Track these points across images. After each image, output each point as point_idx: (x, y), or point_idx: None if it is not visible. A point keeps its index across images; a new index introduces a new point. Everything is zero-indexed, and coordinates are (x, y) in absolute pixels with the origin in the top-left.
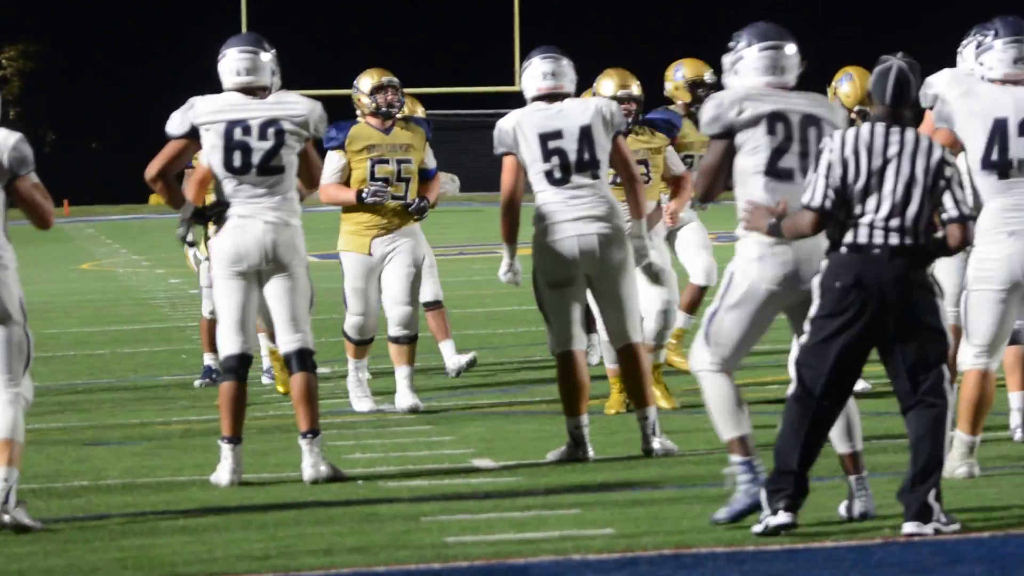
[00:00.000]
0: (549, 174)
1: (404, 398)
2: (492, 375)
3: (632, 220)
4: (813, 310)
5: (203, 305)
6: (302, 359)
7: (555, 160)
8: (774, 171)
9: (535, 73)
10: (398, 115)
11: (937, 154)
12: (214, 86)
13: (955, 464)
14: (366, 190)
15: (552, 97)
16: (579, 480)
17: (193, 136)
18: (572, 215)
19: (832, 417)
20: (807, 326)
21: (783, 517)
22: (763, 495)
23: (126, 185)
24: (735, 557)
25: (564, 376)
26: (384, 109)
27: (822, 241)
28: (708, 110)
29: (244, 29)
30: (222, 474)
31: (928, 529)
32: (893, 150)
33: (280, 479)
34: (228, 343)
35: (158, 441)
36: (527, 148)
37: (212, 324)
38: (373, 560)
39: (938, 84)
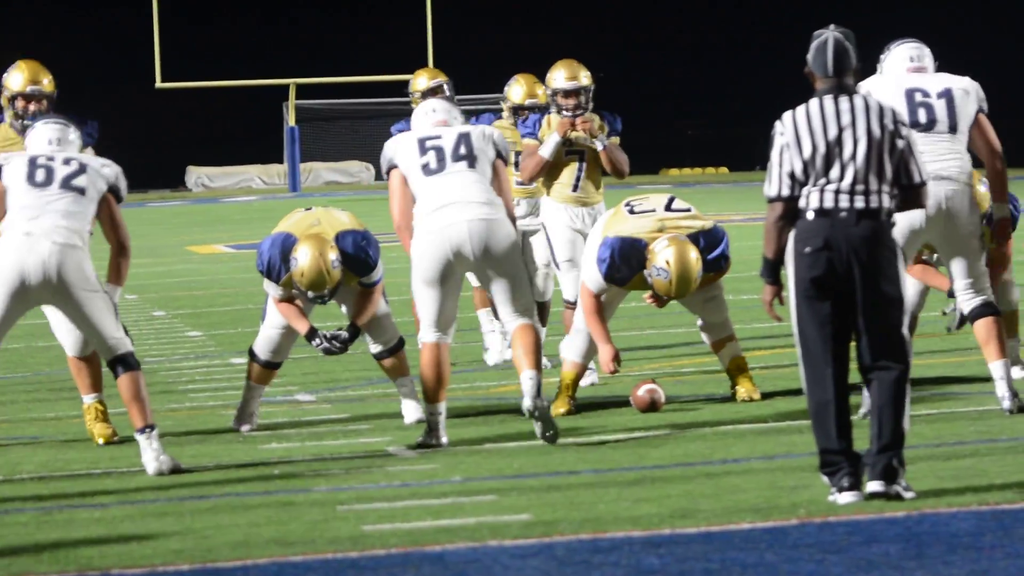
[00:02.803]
0: (425, 167)
1: (409, 411)
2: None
3: None
4: (789, 281)
5: None
6: (124, 362)
7: (431, 155)
8: None
9: (425, 110)
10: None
11: (890, 116)
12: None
13: None
14: (317, 340)
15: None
16: (495, 467)
17: None
18: (447, 199)
19: (846, 381)
20: (791, 299)
21: (849, 496)
22: (823, 478)
23: None
24: (652, 541)
25: (428, 365)
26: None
27: None
28: None
29: (155, 15)
30: None
31: (892, 489)
32: (846, 118)
33: (196, 469)
34: None
35: (73, 435)
36: (406, 154)
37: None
38: (290, 550)
39: None
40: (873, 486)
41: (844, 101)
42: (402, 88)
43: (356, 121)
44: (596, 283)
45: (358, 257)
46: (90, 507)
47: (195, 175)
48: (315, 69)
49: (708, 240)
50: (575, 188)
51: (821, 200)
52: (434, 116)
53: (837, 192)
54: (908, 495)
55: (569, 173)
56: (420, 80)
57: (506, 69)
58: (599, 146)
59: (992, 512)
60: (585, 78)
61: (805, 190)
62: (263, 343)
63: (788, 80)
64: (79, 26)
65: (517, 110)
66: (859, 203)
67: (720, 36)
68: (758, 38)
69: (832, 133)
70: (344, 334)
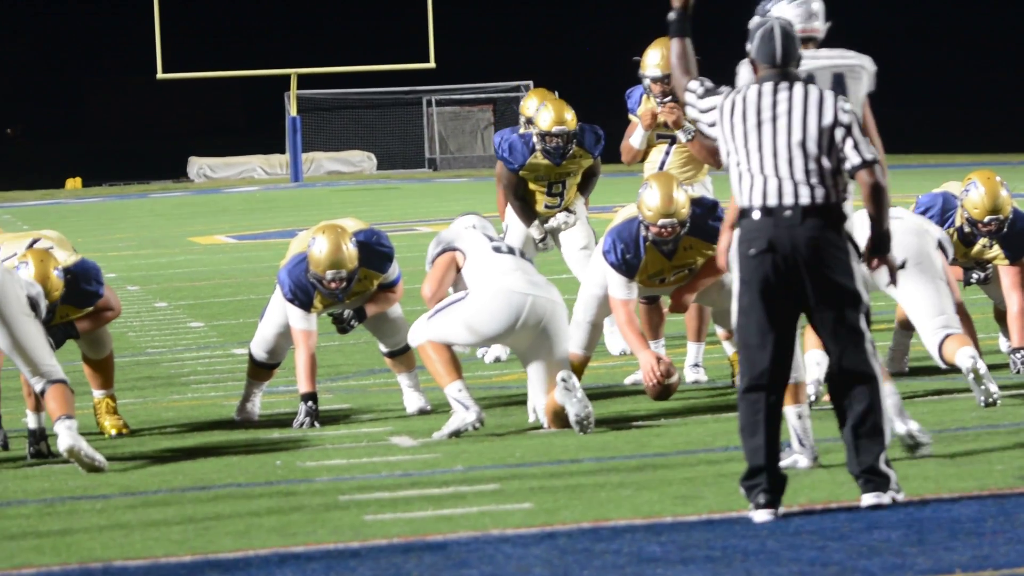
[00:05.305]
0: (497, 248)
1: (411, 401)
2: None
3: None
4: (734, 284)
5: None
6: (54, 383)
7: (501, 243)
8: None
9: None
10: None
11: (830, 103)
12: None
13: None
14: (306, 408)
15: None
16: (497, 456)
17: None
18: (523, 270)
19: (781, 398)
20: (734, 303)
21: (763, 514)
22: (742, 491)
23: (42, 171)
24: (653, 528)
25: (439, 350)
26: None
27: None
28: None
29: (156, 6)
30: None
31: (886, 499)
32: (782, 107)
33: (197, 459)
34: None
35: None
36: (474, 241)
37: None
38: (291, 540)
39: None
40: (868, 499)
41: (783, 90)
42: (403, 76)
43: (358, 111)
44: (618, 286)
45: (373, 245)
46: (92, 498)
47: (197, 165)
48: (316, 59)
49: (701, 208)
50: (660, 168)
51: (764, 197)
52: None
53: (780, 187)
54: (900, 497)
55: (657, 153)
56: (531, 103)
57: (507, 59)
58: (682, 138)
59: (993, 498)
60: None
61: (746, 186)
62: (260, 343)
63: None
64: (81, 18)
65: (546, 136)
66: (804, 199)
67: (716, 27)
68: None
69: (767, 124)
70: (349, 312)
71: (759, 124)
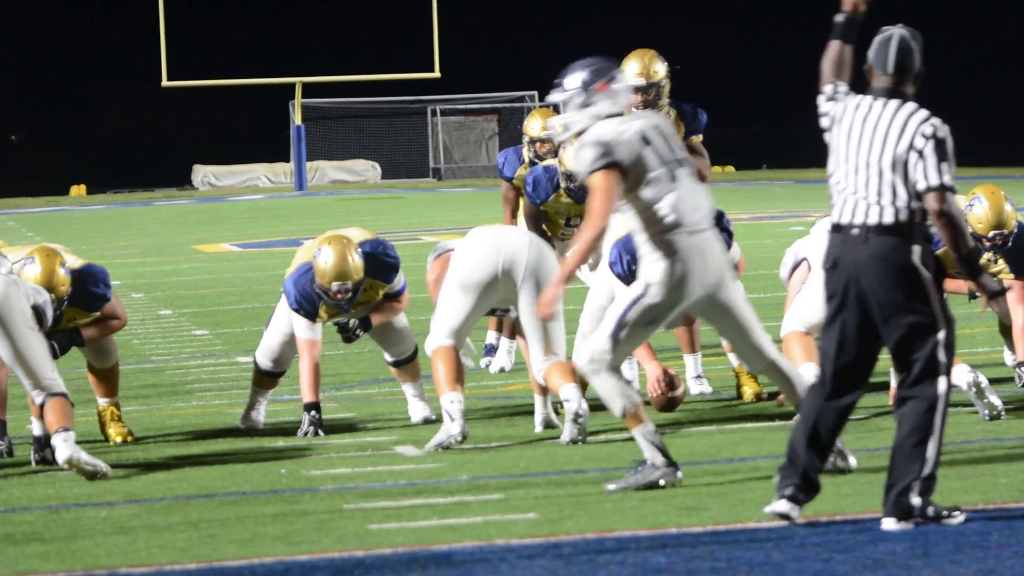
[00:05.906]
0: None
1: (416, 410)
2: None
3: None
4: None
5: None
6: (54, 396)
7: None
8: None
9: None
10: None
11: (912, 127)
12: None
13: None
14: (310, 418)
15: None
16: (502, 466)
17: None
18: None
19: (842, 408)
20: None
21: (783, 506)
22: (776, 478)
23: (46, 178)
24: (658, 539)
25: (447, 360)
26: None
27: None
28: None
29: (161, 14)
30: None
31: (908, 525)
32: (870, 125)
33: (202, 467)
34: None
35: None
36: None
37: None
38: (296, 549)
39: None
40: (886, 523)
41: (879, 107)
42: (408, 86)
43: (362, 120)
44: None
45: (379, 256)
46: (96, 505)
47: (201, 174)
48: (321, 68)
49: None
50: None
51: (840, 214)
52: None
53: (855, 205)
54: (954, 519)
55: None
56: (534, 123)
57: (512, 69)
58: None
59: (999, 511)
60: (656, 73)
61: (833, 201)
62: (265, 351)
63: (796, 80)
64: (85, 25)
65: (571, 176)
66: (872, 218)
67: (726, 36)
68: (765, 38)
69: (855, 139)
70: (354, 321)
71: (848, 139)
